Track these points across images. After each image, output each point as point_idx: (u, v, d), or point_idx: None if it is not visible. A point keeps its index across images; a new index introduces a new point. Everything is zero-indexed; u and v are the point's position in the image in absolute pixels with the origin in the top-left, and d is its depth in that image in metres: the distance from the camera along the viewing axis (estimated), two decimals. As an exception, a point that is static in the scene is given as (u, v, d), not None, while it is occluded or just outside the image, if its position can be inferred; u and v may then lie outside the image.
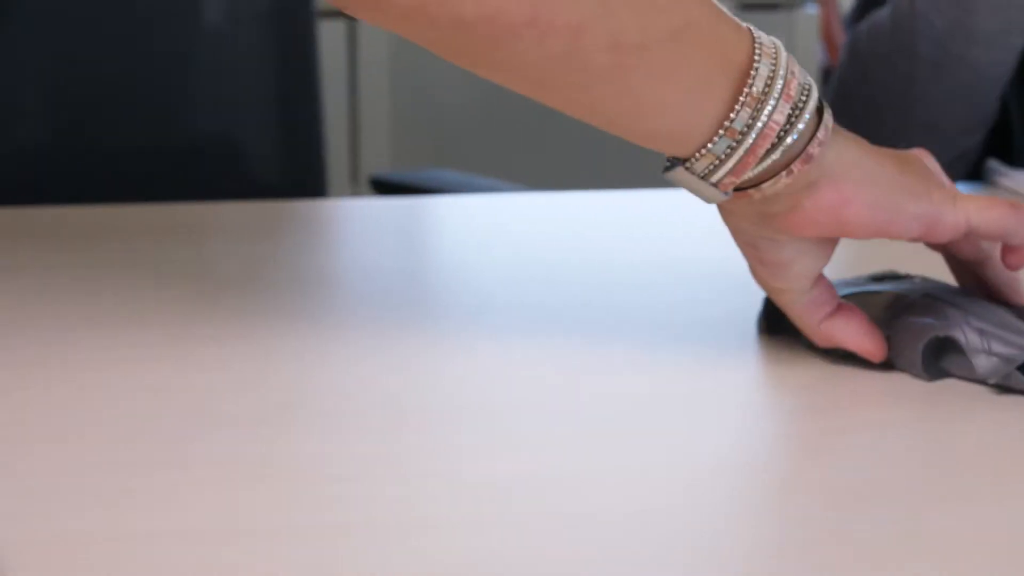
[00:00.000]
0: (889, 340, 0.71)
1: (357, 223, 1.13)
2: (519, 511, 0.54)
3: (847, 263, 0.87)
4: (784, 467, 0.60)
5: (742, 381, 0.71)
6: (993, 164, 1.22)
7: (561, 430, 0.63)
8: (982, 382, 0.69)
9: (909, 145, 0.78)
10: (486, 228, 1.07)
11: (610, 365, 0.72)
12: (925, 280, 0.75)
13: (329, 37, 2.79)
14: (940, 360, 0.71)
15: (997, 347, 0.68)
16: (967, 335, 0.69)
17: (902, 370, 0.71)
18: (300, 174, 1.45)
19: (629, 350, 0.75)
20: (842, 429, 0.64)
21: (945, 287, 0.74)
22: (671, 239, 1.02)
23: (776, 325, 0.76)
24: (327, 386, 0.68)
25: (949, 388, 0.69)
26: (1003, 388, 0.68)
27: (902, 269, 0.79)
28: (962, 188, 1.22)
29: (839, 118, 0.71)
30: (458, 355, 0.74)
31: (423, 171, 2.41)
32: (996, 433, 0.64)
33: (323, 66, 1.49)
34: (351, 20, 2.84)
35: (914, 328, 0.70)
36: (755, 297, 0.78)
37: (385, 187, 1.74)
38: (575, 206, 1.15)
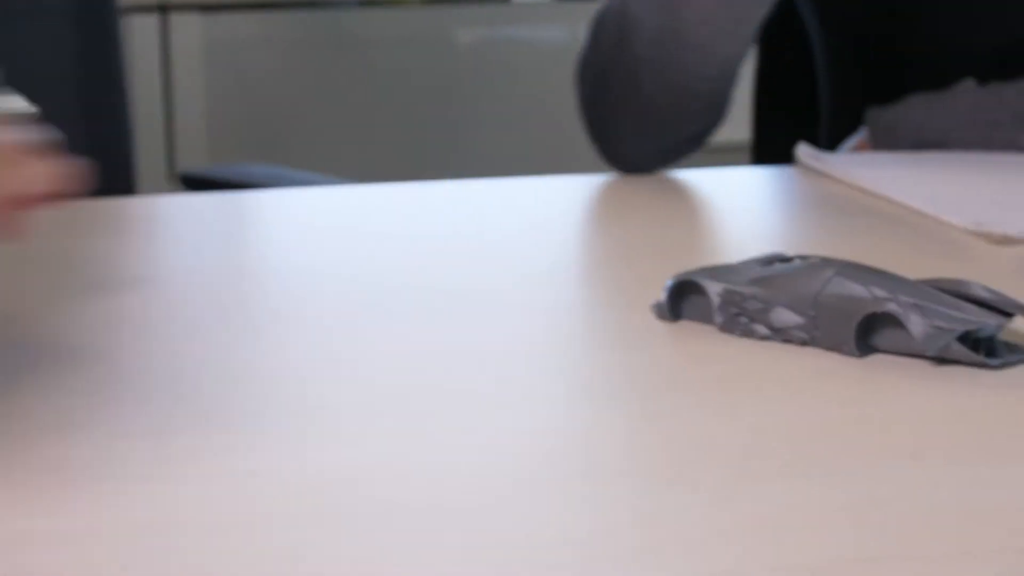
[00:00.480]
0: (814, 320, 0.72)
1: (164, 220, 1.10)
2: (334, 505, 0.53)
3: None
4: (621, 456, 0.59)
5: (568, 368, 0.71)
6: (803, 148, 1.23)
7: (378, 425, 0.62)
8: (917, 355, 0.70)
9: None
10: (300, 222, 1.05)
11: (428, 359, 0.71)
12: (824, 260, 0.75)
13: (142, 33, 2.75)
14: (869, 337, 0.71)
15: (935, 320, 0.69)
16: (904, 309, 0.69)
17: (831, 349, 0.72)
18: (107, 172, 1.42)
19: (448, 342, 0.74)
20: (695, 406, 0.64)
21: (852, 264, 0.74)
22: (493, 228, 1.01)
23: (679, 311, 0.76)
24: (137, 383, 0.66)
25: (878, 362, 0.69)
26: (941, 360, 0.69)
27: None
28: (766, 172, 1.24)
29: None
30: (271, 350, 0.72)
31: (234, 166, 2.38)
32: (937, 406, 0.64)
33: (135, 63, 1.46)
34: (163, 15, 2.79)
35: (843, 305, 0.71)
36: (575, 286, 0.78)
37: (195, 183, 1.71)
38: (393, 198, 1.14)
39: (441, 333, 0.76)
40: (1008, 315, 0.70)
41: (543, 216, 1.04)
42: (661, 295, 0.77)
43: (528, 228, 1.00)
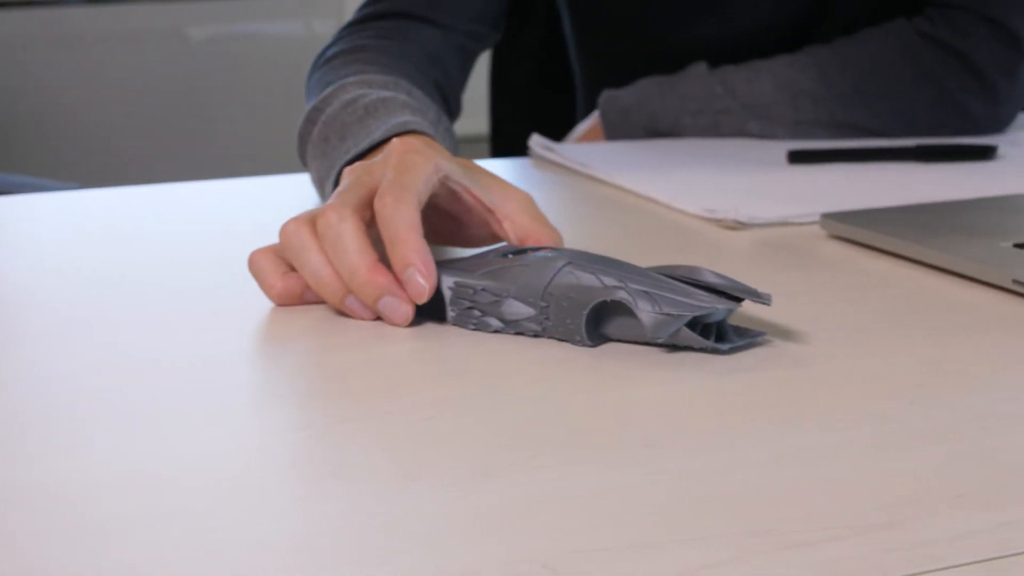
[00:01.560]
0: (545, 311, 0.71)
1: None
2: (75, 515, 0.50)
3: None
4: (339, 457, 0.58)
5: (294, 369, 0.69)
6: (536, 138, 1.24)
7: (93, 432, 0.59)
8: (649, 343, 0.70)
9: None
10: (32, 227, 1.02)
11: (147, 366, 0.69)
12: (557, 250, 0.75)
13: None
14: (602, 326, 0.71)
15: (665, 307, 0.69)
16: (634, 297, 0.69)
17: (563, 339, 0.71)
18: None
19: (167, 349, 0.72)
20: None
21: (584, 254, 0.74)
22: (226, 228, 0.99)
23: (597, 335, 0.73)
24: None
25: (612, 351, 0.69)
26: (673, 347, 0.70)
27: None
28: (500, 163, 1.24)
29: None
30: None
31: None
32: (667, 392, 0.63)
33: None
34: None
35: (573, 295, 0.71)
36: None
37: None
38: (127, 200, 1.10)
39: (162, 338, 0.73)
40: (738, 300, 0.71)
41: (278, 214, 1.03)
42: None
43: (263, 226, 0.99)
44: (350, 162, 0.92)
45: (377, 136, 0.92)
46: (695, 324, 0.69)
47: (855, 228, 0.92)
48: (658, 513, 0.51)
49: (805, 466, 0.56)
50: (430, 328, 0.74)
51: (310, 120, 1.01)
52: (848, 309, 0.78)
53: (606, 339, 0.72)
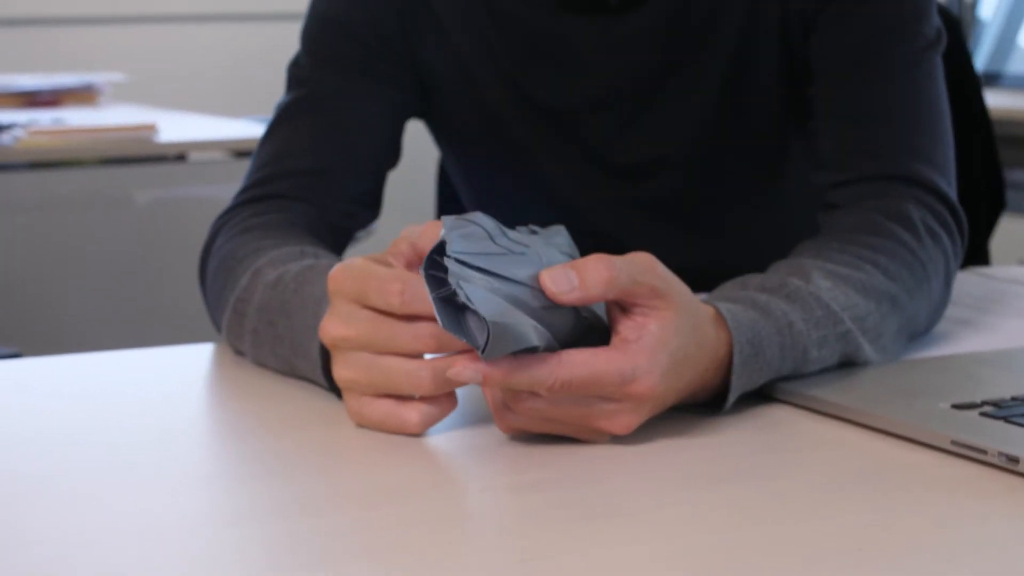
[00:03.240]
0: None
1: None
2: None
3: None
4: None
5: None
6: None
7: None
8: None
9: None
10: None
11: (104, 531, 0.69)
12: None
13: None
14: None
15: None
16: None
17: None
18: None
19: (118, 521, 0.71)
20: None
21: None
22: (161, 399, 0.99)
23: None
24: None
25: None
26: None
27: None
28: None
29: None
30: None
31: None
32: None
33: None
34: None
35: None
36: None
37: None
38: (71, 369, 1.11)
39: (103, 507, 0.73)
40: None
41: (228, 381, 1.03)
42: None
43: (215, 393, 0.99)
44: None
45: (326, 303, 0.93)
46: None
47: (797, 390, 0.93)
48: None
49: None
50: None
51: (238, 312, 1.03)
52: (791, 471, 0.79)
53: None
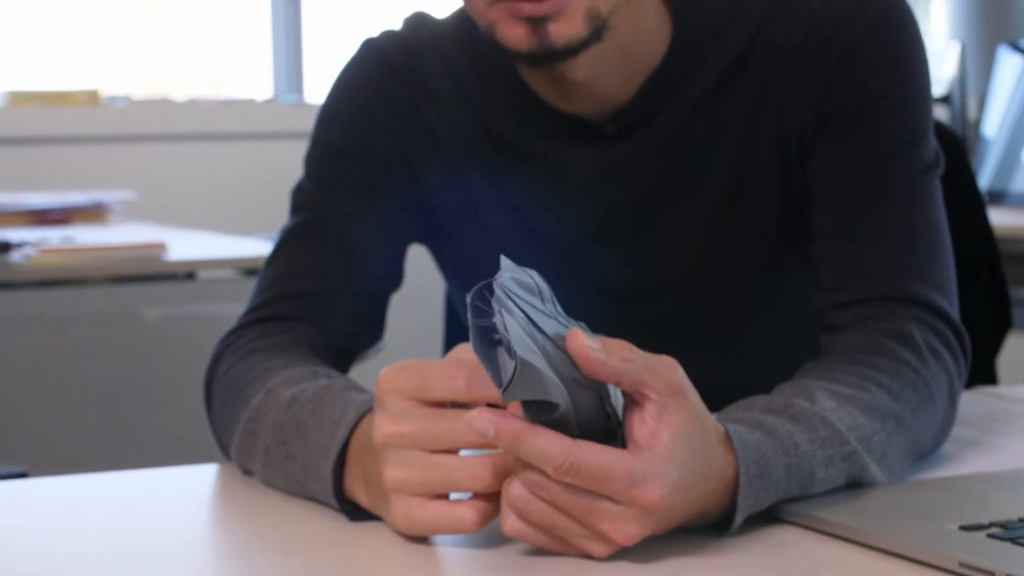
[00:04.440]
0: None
1: None
2: None
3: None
4: None
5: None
6: None
7: None
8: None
9: None
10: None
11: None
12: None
13: None
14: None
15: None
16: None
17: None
18: None
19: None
20: None
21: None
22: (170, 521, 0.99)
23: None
24: None
25: None
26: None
27: None
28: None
29: None
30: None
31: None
32: None
33: None
34: None
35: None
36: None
37: None
38: (76, 491, 1.11)
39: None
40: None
41: (239, 501, 1.03)
42: None
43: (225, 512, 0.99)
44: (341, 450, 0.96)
45: (350, 420, 0.94)
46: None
47: (803, 511, 0.93)
48: None
49: None
50: None
51: (249, 431, 1.03)
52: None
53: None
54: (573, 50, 1.11)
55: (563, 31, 1.10)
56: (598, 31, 1.12)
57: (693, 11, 1.20)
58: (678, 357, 0.87)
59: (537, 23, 1.09)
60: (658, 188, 1.23)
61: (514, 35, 1.10)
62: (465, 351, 0.88)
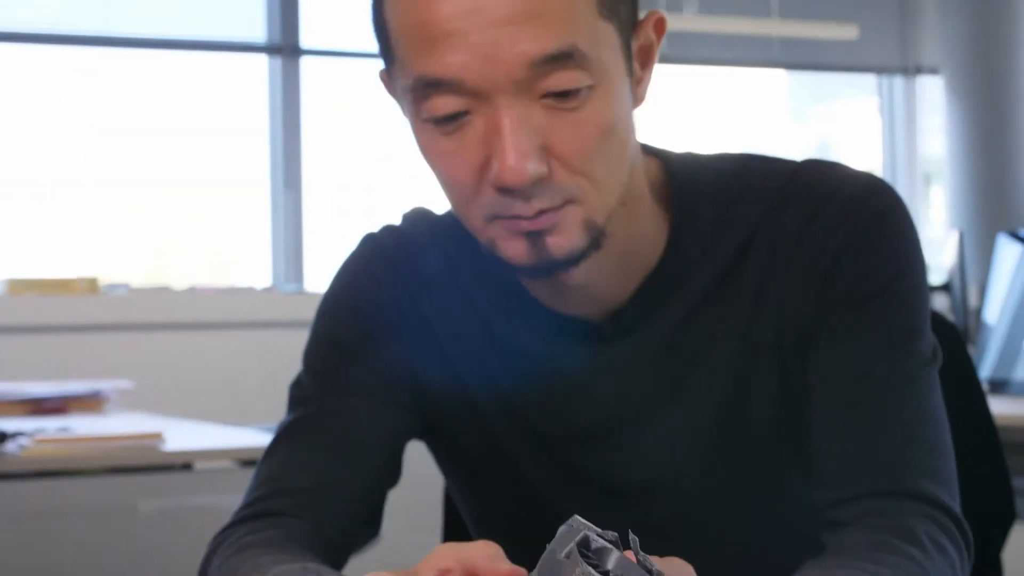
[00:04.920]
0: None
1: None
2: None
3: None
4: None
5: None
6: None
7: None
8: None
9: None
10: None
11: None
12: None
13: None
14: None
15: None
16: None
17: None
18: None
19: None
20: None
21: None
22: None
23: None
24: None
25: None
26: None
27: None
28: None
29: None
30: None
31: None
32: None
33: None
34: None
35: None
36: None
37: None
38: None
39: None
40: None
41: None
42: None
43: None
44: None
45: None
46: None
47: None
48: None
49: None
50: None
51: None
52: None
53: None
54: (573, 261, 1.12)
55: (562, 244, 1.10)
56: (596, 240, 1.12)
57: (690, 210, 1.20)
58: (679, 555, 0.87)
59: (536, 237, 1.10)
60: (657, 387, 1.22)
61: (515, 250, 1.11)
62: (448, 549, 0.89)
